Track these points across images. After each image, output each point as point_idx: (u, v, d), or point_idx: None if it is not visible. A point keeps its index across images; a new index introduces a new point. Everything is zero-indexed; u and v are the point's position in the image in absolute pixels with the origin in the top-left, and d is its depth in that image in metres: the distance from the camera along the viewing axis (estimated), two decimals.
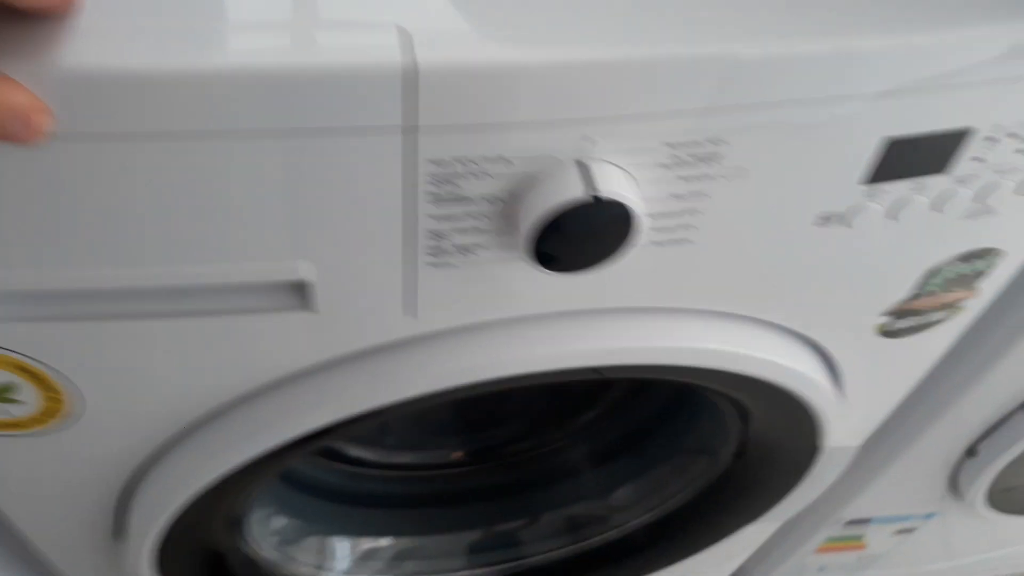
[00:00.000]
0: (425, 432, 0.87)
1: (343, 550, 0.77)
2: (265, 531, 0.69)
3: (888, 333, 0.63)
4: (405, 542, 0.81)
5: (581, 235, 0.41)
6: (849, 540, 1.07)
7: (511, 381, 0.52)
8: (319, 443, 0.53)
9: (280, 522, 0.71)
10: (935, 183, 0.50)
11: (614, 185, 0.40)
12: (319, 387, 0.50)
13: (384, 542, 0.80)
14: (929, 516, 1.03)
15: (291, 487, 0.75)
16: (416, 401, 0.51)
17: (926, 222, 0.52)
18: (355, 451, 0.81)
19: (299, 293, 0.45)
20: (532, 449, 0.90)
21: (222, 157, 0.37)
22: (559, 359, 0.52)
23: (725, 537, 0.84)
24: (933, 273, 0.58)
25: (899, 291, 0.58)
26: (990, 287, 0.63)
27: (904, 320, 0.62)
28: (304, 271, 0.43)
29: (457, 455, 0.86)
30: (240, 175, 0.38)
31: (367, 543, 0.78)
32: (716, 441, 0.77)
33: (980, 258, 0.59)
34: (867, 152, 0.46)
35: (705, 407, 0.78)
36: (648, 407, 0.86)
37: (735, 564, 1.07)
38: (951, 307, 0.63)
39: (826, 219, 0.49)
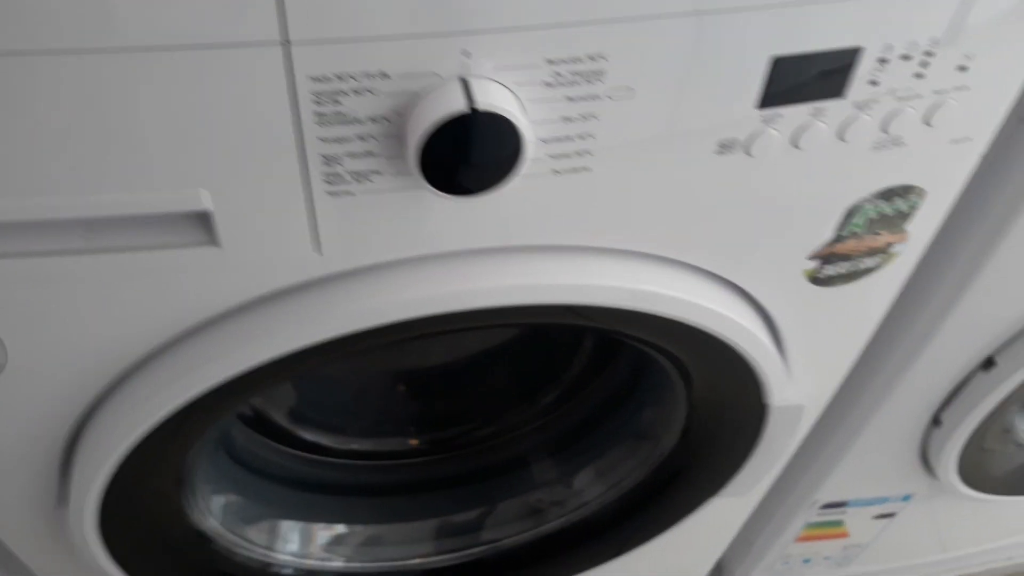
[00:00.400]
0: (383, 421, 0.87)
1: (297, 534, 0.77)
2: (218, 510, 0.70)
3: (819, 280, 0.63)
4: (366, 529, 0.81)
5: (467, 152, 0.42)
6: (829, 527, 1.06)
7: (425, 324, 0.52)
8: (247, 393, 0.54)
9: (234, 502, 0.72)
10: (835, 109, 0.50)
11: (493, 99, 0.41)
12: (234, 332, 0.51)
13: (340, 529, 0.80)
14: (907, 498, 1.02)
15: (247, 470, 0.76)
16: (334, 346, 0.52)
17: (832, 153, 0.53)
18: (312, 436, 0.82)
19: (202, 226, 0.46)
20: (492, 437, 0.90)
21: (105, 75, 0.38)
22: (480, 296, 0.53)
23: (690, 513, 0.84)
24: (853, 212, 0.58)
25: (820, 232, 0.59)
26: (919, 232, 0.63)
27: (833, 266, 0.63)
28: (203, 200, 0.44)
29: (414, 443, 0.86)
30: (127, 95, 0.39)
31: (323, 529, 0.79)
32: (669, 412, 0.77)
33: (901, 197, 0.59)
34: (756, 72, 0.47)
35: (658, 382, 0.78)
36: (603, 389, 0.87)
37: (715, 554, 1.06)
38: (882, 253, 0.63)
39: (726, 146, 0.50)
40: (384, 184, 0.46)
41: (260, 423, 0.78)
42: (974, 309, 0.74)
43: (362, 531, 0.80)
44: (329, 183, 0.45)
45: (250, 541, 0.71)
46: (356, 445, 0.84)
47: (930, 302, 0.74)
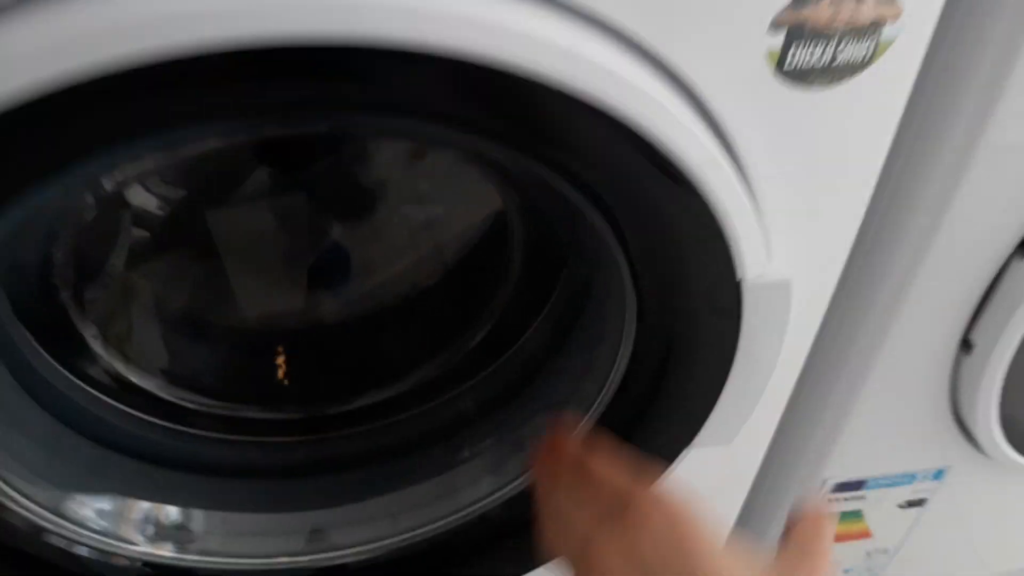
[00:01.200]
0: (254, 387, 0.68)
1: (109, 508, 0.56)
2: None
3: (789, 72, 0.46)
4: (219, 516, 0.60)
5: None
6: (847, 521, 0.85)
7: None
8: None
9: (20, 445, 0.52)
10: None
11: None
12: None
13: (174, 511, 0.59)
14: (939, 475, 0.82)
15: (48, 413, 0.56)
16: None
17: None
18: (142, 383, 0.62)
19: None
20: (412, 405, 0.71)
21: None
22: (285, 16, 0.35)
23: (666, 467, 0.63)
24: None
25: None
26: (917, 12, 0.47)
27: (806, 46, 0.46)
28: None
29: (295, 416, 0.66)
30: None
31: (156, 508, 0.58)
32: (619, 333, 0.59)
33: None
34: None
35: (597, 298, 0.60)
36: (537, 338, 0.68)
37: None
38: (871, 35, 0.46)
39: None
40: None
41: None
42: (1004, 153, 0.56)
43: (213, 518, 0.59)
44: None
45: (28, 497, 0.50)
46: (217, 410, 0.64)
47: (948, 139, 0.56)
